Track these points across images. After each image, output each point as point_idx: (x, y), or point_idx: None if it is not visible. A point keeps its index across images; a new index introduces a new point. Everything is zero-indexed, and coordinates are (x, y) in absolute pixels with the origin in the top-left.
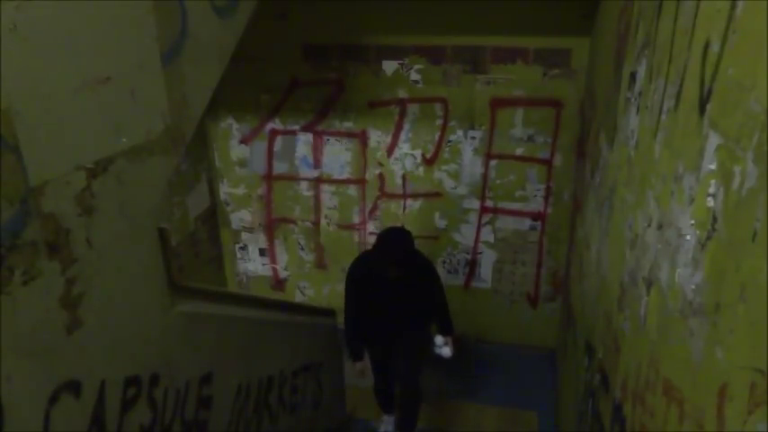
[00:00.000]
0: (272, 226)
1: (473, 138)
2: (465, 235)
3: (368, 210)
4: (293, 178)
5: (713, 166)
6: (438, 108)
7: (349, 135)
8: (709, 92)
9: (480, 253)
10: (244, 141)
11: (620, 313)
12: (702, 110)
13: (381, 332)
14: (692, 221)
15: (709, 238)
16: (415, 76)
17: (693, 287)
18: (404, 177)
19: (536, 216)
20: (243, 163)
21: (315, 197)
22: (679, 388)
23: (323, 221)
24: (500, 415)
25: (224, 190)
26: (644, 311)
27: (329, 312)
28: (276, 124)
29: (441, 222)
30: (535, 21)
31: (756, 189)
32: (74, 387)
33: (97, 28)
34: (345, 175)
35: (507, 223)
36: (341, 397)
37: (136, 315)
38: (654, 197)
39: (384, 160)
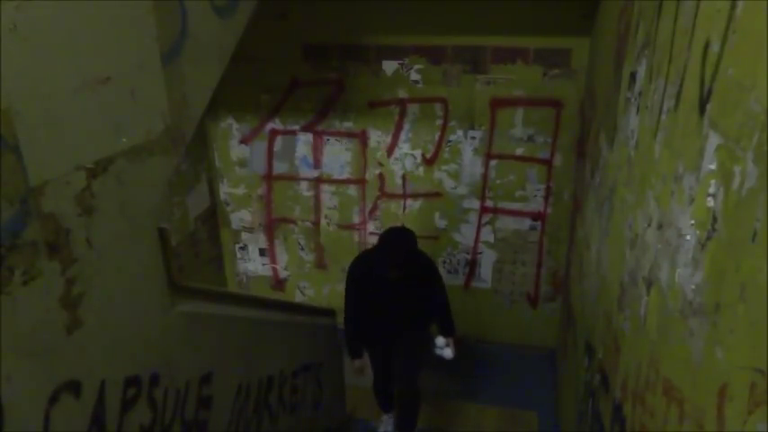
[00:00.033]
0: (272, 226)
1: (473, 138)
2: (465, 235)
3: (368, 210)
4: (293, 178)
5: (713, 166)
6: (438, 108)
7: (349, 135)
8: (709, 92)
9: (480, 253)
10: (244, 141)
11: (620, 313)
12: (702, 110)
13: (381, 332)
14: (692, 221)
15: (709, 238)
16: (415, 76)
17: (693, 287)
18: (404, 177)
19: (536, 216)
20: (243, 163)
21: (315, 197)
22: (679, 388)
23: (323, 221)
24: (500, 415)
25: (224, 190)
26: (644, 311)
27: (329, 312)
28: (276, 124)
29: (441, 222)
30: (535, 21)
31: (756, 189)
32: (74, 387)
33: (97, 28)
34: (345, 175)
35: (507, 223)
36: (341, 397)
37: (136, 315)
38: (654, 197)
39: (384, 160)
